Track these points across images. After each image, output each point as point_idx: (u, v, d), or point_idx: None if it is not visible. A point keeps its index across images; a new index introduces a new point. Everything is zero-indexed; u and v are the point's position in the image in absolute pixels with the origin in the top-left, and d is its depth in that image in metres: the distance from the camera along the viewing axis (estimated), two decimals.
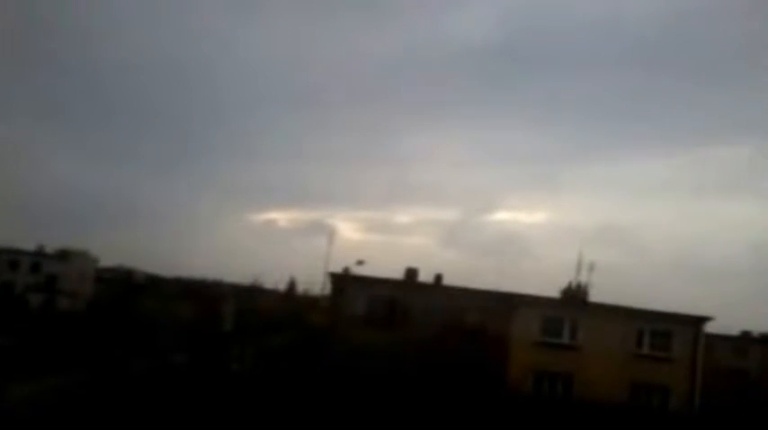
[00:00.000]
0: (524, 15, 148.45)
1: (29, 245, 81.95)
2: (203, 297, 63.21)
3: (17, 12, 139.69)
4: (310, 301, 52.15)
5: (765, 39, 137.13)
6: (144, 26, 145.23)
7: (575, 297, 45.11)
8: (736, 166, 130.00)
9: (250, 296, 58.05)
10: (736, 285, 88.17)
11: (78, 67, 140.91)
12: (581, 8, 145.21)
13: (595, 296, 44.99)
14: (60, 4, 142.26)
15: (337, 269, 45.83)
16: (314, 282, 51.16)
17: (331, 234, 49.36)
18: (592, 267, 45.45)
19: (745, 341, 70.04)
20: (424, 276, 45.88)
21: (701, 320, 41.11)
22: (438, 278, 45.85)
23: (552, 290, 45.97)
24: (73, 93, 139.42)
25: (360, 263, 44.57)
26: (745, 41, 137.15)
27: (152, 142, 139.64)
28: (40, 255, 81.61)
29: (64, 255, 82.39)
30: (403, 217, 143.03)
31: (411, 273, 45.88)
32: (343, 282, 43.58)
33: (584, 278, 45.65)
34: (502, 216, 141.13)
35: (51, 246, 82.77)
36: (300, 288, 60.29)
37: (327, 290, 47.07)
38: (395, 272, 46.08)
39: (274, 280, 62.24)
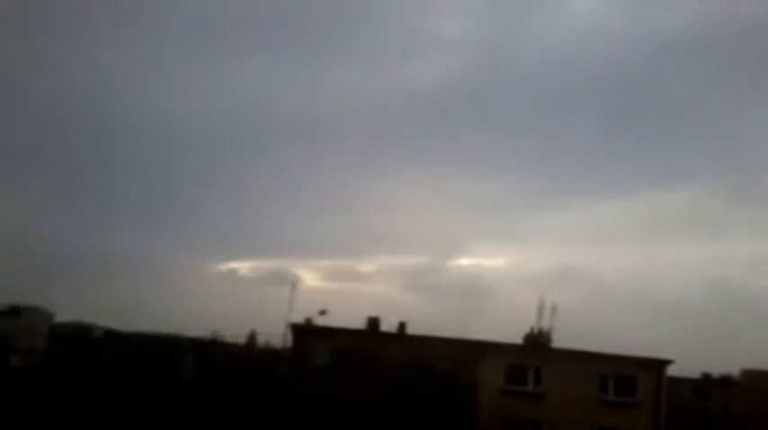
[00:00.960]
0: (486, 63, 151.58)
1: None
2: (162, 351, 61.67)
3: None
4: (272, 354, 51.22)
5: (708, 90, 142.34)
6: (109, 74, 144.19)
7: (538, 342, 45.09)
8: (684, 210, 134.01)
9: (210, 350, 56.75)
10: (692, 324, 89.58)
11: (23, 114, 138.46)
12: (537, 57, 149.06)
13: (558, 340, 45.09)
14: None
15: (300, 319, 45.29)
16: (275, 333, 50.20)
17: (294, 283, 49.11)
18: (554, 310, 45.55)
19: (707, 382, 70.55)
20: (389, 324, 45.57)
21: (663, 363, 41.41)
22: (402, 326, 45.54)
23: (516, 335, 45.96)
24: (29, 142, 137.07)
25: (322, 313, 44.02)
26: (691, 92, 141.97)
27: (108, 193, 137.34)
28: None
29: (15, 311, 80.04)
30: (367, 265, 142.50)
31: (373, 322, 45.52)
32: (305, 333, 42.98)
33: (546, 322, 45.73)
34: (465, 262, 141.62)
35: (2, 301, 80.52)
36: (261, 340, 59.21)
37: (289, 342, 46.28)
38: (360, 321, 45.74)
39: (235, 332, 60.90)
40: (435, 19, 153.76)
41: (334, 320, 44.28)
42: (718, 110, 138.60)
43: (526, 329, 45.65)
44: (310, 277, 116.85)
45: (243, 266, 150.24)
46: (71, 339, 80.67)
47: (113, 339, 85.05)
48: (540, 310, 45.16)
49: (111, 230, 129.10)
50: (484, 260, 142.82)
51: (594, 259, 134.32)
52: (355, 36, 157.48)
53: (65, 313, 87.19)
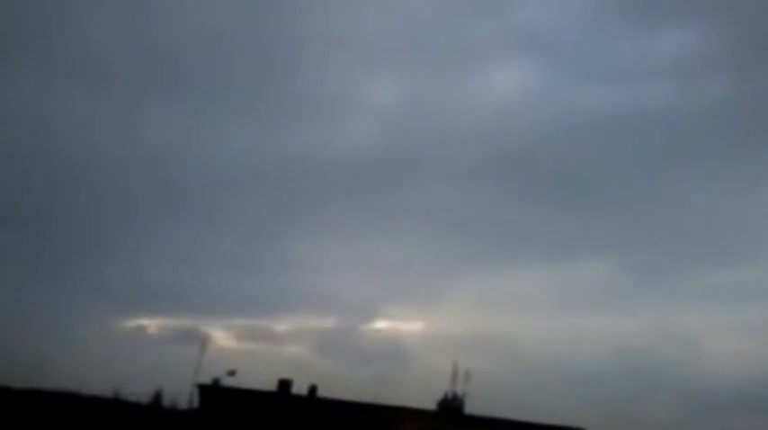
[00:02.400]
0: (407, 129, 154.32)
1: None
2: (58, 411, 58.18)
3: None
4: (177, 415, 48.87)
5: (617, 160, 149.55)
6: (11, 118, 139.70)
7: (450, 408, 44.61)
8: (597, 281, 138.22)
9: (110, 410, 53.77)
10: (604, 388, 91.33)
11: None
12: (452, 120, 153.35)
13: (473, 406, 44.66)
14: None
15: (209, 380, 43.58)
16: (182, 393, 48.04)
17: (204, 342, 47.28)
18: (468, 376, 45.19)
19: None
20: (301, 387, 44.27)
21: None
22: (312, 389, 44.28)
23: (430, 400, 45.29)
24: None
25: (231, 373, 42.42)
26: (602, 162, 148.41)
27: (8, 243, 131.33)
28: None
29: None
30: (281, 325, 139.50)
31: (285, 384, 44.18)
32: (213, 394, 41.31)
33: (460, 387, 45.34)
34: (381, 324, 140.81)
35: None
36: (167, 400, 56.51)
37: (196, 402, 44.32)
38: (270, 383, 44.33)
39: (139, 391, 57.97)
40: (360, 84, 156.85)
41: (244, 381, 42.82)
42: (633, 186, 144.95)
43: (440, 394, 45.19)
44: (222, 336, 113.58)
45: (151, 323, 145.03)
46: None
47: (6, 395, 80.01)
48: (455, 376, 44.87)
49: (12, 282, 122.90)
50: (400, 323, 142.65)
51: (511, 325, 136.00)
52: (277, 95, 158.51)
53: None
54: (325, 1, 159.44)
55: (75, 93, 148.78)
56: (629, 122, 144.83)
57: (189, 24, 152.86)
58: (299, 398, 42.98)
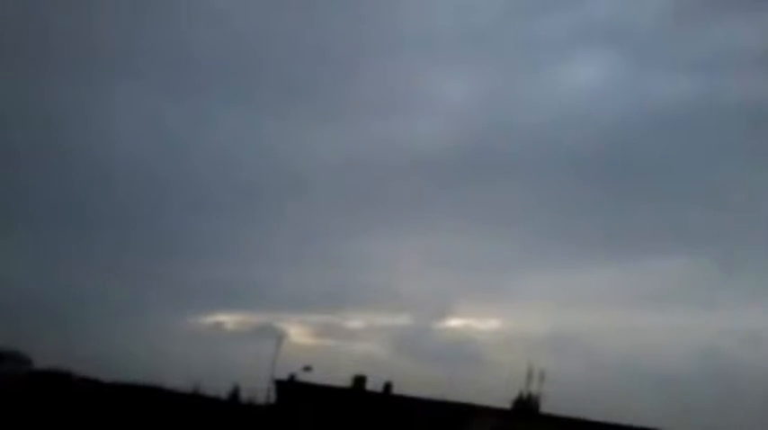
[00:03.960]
0: (477, 123, 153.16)
1: None
2: (142, 403, 60.27)
3: None
4: (255, 410, 49.93)
5: (697, 153, 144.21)
6: (84, 123, 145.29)
7: (526, 407, 44.21)
8: (677, 277, 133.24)
9: (190, 404, 55.37)
10: (683, 394, 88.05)
11: (6, 161, 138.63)
12: (524, 117, 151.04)
13: (547, 406, 44.15)
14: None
15: (286, 375, 44.39)
16: (259, 388, 49.07)
17: (280, 338, 48.28)
18: (542, 376, 44.75)
19: None
20: (375, 384, 44.64)
21: None
22: (387, 386, 44.57)
23: (504, 399, 44.96)
24: (8, 192, 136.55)
25: (307, 369, 43.10)
26: (683, 155, 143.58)
27: (92, 242, 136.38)
28: None
29: None
30: (355, 322, 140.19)
31: (359, 380, 44.59)
32: (290, 389, 42.04)
33: (535, 387, 44.89)
34: (454, 323, 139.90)
35: None
36: (244, 395, 57.81)
37: (273, 398, 45.22)
38: (344, 379, 44.83)
39: (218, 386, 59.49)
40: (430, 83, 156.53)
41: (320, 377, 43.47)
42: (714, 178, 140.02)
43: (514, 394, 44.83)
44: (297, 332, 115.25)
45: (229, 319, 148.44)
46: (47, 385, 78.97)
47: (92, 387, 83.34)
48: (529, 375, 44.44)
49: (96, 279, 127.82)
50: (473, 321, 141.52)
51: (586, 324, 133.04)
52: (348, 96, 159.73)
53: (44, 360, 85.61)
54: (393, 1, 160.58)
55: (155, 96, 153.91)
56: (709, 114, 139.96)
57: (263, 29, 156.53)
58: (374, 394, 43.33)
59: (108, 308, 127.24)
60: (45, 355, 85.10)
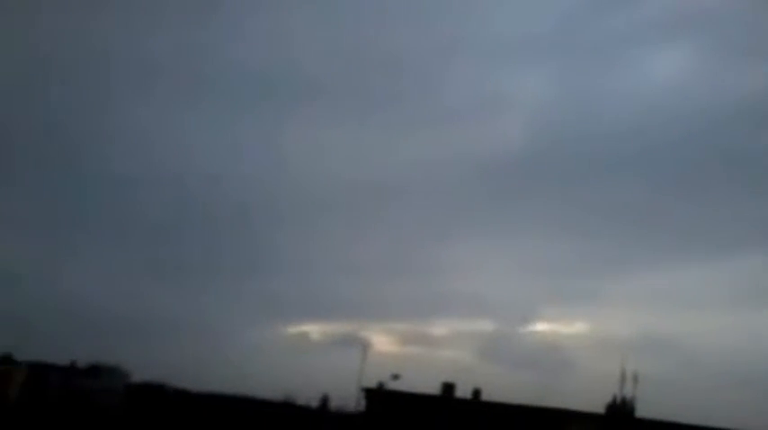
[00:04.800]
0: (557, 123, 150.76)
1: (63, 360, 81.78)
2: (233, 413, 61.75)
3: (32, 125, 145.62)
4: (345, 418, 50.41)
5: None
6: (162, 137, 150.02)
7: (620, 411, 42.99)
8: None
9: (281, 413, 56.42)
10: None
11: (98, 180, 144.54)
12: (613, 118, 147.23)
13: (642, 410, 42.76)
14: (76, 116, 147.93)
15: (371, 384, 44.53)
16: (347, 397, 49.47)
17: (365, 347, 48.57)
18: (636, 379, 43.32)
19: None
20: (463, 390, 44.32)
21: None
22: (476, 393, 44.20)
23: (596, 404, 43.79)
24: (95, 207, 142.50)
25: (395, 377, 43.12)
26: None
27: (182, 256, 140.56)
28: (71, 370, 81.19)
29: (94, 370, 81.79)
30: (439, 329, 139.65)
31: (448, 387, 44.34)
32: (379, 397, 42.19)
33: (628, 391, 43.56)
34: (541, 327, 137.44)
35: (83, 360, 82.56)
36: (334, 404, 58.49)
37: (362, 406, 45.47)
38: (431, 386, 44.65)
39: (306, 395, 60.48)
40: (508, 81, 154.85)
41: (406, 385, 43.41)
42: None
43: (606, 398, 43.62)
44: (381, 340, 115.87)
45: (314, 329, 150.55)
46: (144, 397, 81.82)
47: (185, 399, 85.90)
48: (623, 379, 43.17)
49: (185, 293, 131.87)
50: (560, 325, 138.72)
51: (679, 325, 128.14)
52: (427, 99, 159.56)
53: (140, 372, 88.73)
54: (468, 4, 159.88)
55: (231, 113, 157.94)
56: None
57: (340, 43, 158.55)
58: (463, 401, 43.02)
59: (198, 321, 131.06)
60: (142, 369, 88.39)
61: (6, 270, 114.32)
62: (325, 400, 60.48)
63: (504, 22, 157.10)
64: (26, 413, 63.63)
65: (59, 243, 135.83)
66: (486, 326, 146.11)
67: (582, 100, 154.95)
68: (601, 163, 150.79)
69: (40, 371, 79.38)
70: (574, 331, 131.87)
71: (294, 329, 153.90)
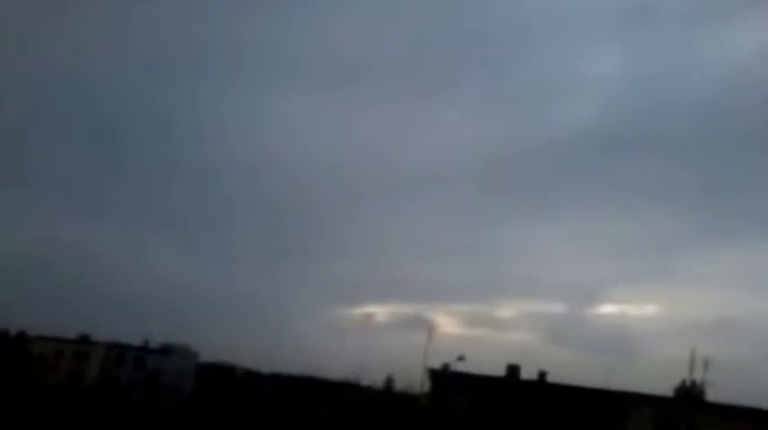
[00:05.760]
0: (630, 100, 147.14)
1: (136, 339, 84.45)
2: (301, 393, 62.95)
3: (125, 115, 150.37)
4: (410, 399, 50.88)
5: None
6: (243, 126, 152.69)
7: (689, 395, 42.17)
8: None
9: (347, 393, 57.22)
10: None
11: (182, 168, 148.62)
12: (690, 94, 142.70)
13: (713, 395, 41.85)
14: (171, 110, 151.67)
15: (437, 365, 44.81)
16: (413, 378, 49.88)
17: (430, 328, 48.61)
18: (707, 364, 42.29)
19: None
20: (528, 373, 44.26)
21: None
22: (542, 375, 44.05)
23: (665, 388, 43.03)
24: (178, 194, 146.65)
25: (460, 358, 43.27)
26: None
27: (248, 239, 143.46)
28: (144, 349, 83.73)
29: (166, 350, 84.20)
30: (504, 310, 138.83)
31: (513, 369, 44.32)
32: (444, 379, 42.45)
33: (699, 375, 42.64)
34: (608, 309, 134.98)
35: (155, 340, 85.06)
36: (399, 385, 58.93)
37: (427, 387, 45.83)
38: (496, 368, 44.72)
39: (371, 376, 61.13)
40: (581, 62, 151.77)
41: (472, 366, 43.54)
42: None
43: (676, 382, 42.83)
44: (446, 322, 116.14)
45: (379, 311, 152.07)
46: (215, 379, 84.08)
47: (255, 379, 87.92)
48: (692, 362, 42.28)
49: (254, 275, 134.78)
50: (629, 307, 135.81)
51: (757, 308, 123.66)
52: (494, 84, 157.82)
53: (209, 353, 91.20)
54: None
55: (298, 95, 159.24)
56: None
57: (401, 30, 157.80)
58: (528, 383, 42.94)
59: (266, 302, 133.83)
60: (211, 349, 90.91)
61: (89, 251, 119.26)
62: (389, 382, 61.04)
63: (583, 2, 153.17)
64: (103, 392, 66.07)
65: (141, 228, 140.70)
66: (552, 308, 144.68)
67: (659, 76, 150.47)
68: (676, 140, 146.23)
69: (117, 350, 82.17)
70: (643, 313, 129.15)
71: (359, 310, 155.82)
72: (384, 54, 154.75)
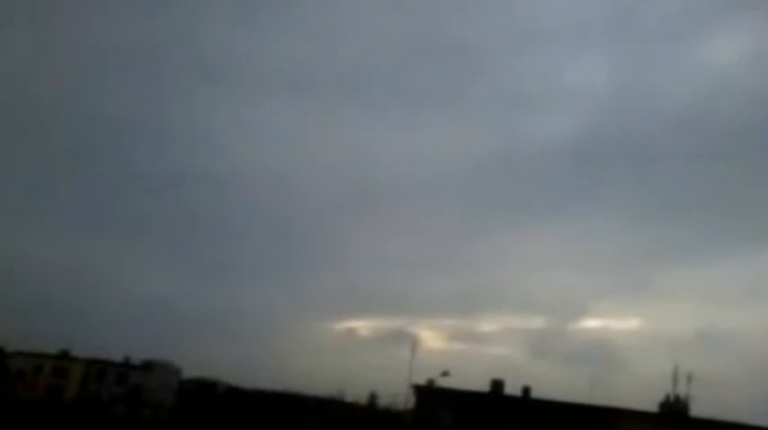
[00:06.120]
0: (610, 113, 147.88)
1: (117, 355, 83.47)
2: (283, 410, 62.48)
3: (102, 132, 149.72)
4: (393, 416, 50.58)
5: None
6: (228, 139, 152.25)
7: (674, 410, 42.22)
8: None
9: (331, 410, 56.84)
10: None
11: (161, 182, 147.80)
12: (663, 104, 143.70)
13: (697, 409, 41.90)
14: (147, 126, 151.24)
15: (421, 380, 44.58)
16: (397, 394, 49.63)
17: (414, 343, 48.36)
18: (690, 378, 42.45)
19: None
20: (511, 388, 44.11)
21: None
22: (526, 390, 43.92)
23: (648, 402, 43.08)
24: (158, 208, 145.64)
25: (445, 374, 43.15)
26: None
27: (229, 254, 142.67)
28: (126, 365, 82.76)
29: (148, 366, 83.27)
30: (487, 325, 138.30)
31: (497, 385, 44.15)
32: (428, 394, 42.22)
33: (682, 390, 42.74)
34: (591, 323, 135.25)
35: (137, 356, 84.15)
36: (382, 401, 58.66)
37: (411, 403, 45.57)
38: (480, 383, 44.52)
39: (355, 392, 60.81)
40: (563, 72, 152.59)
41: (455, 381, 43.35)
42: None
43: (659, 397, 42.87)
44: (429, 337, 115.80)
45: (361, 325, 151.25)
46: (197, 395, 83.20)
47: (237, 395, 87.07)
48: (675, 377, 42.39)
49: (234, 292, 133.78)
50: (611, 321, 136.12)
51: (739, 322, 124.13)
52: (477, 94, 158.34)
53: (192, 369, 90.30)
54: None
55: (297, 111, 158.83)
56: None
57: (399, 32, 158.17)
58: (513, 398, 42.79)
59: (248, 318, 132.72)
60: (193, 365, 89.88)
61: (70, 268, 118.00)
62: (373, 398, 60.72)
63: (559, 12, 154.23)
64: (84, 408, 65.19)
65: (121, 242, 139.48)
66: (535, 322, 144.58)
67: (642, 86, 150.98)
68: (661, 150, 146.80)
69: (98, 366, 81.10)
70: (626, 327, 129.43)
71: (341, 326, 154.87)
72: (365, 62, 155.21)
